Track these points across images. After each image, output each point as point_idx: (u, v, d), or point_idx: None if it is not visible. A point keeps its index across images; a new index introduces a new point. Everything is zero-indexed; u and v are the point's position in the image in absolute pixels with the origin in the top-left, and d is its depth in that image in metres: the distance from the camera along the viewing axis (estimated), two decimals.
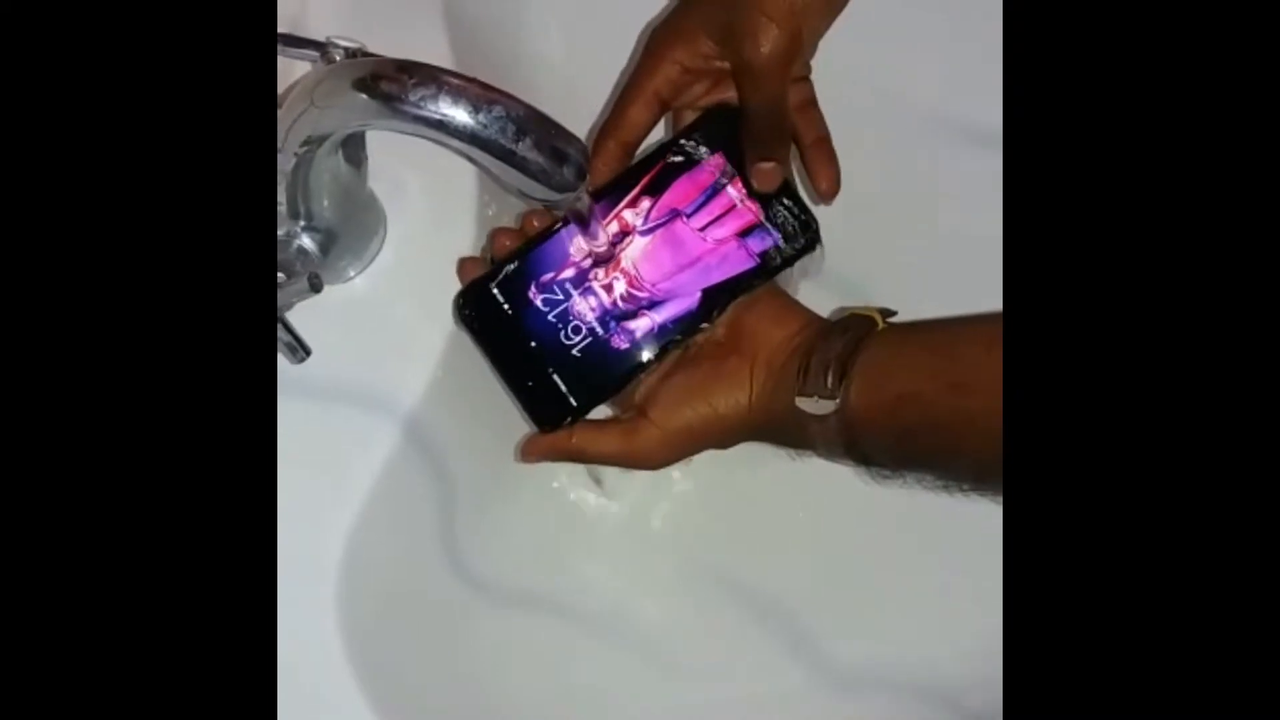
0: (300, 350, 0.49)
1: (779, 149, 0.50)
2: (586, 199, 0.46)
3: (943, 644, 0.58)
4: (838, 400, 0.45)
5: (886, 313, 0.48)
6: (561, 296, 0.50)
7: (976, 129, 0.59)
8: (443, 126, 0.41)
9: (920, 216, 0.64)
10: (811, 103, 0.52)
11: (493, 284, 0.50)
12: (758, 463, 0.66)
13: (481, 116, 0.41)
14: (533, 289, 0.50)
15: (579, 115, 0.55)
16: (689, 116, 0.52)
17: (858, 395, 0.45)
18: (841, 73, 0.51)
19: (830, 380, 0.45)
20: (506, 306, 0.50)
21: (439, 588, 0.57)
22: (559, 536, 0.64)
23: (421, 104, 0.41)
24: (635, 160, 0.52)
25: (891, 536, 0.62)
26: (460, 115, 0.41)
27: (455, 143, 0.42)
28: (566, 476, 0.65)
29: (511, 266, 0.51)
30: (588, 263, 0.50)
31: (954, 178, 0.61)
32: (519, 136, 0.42)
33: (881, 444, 0.45)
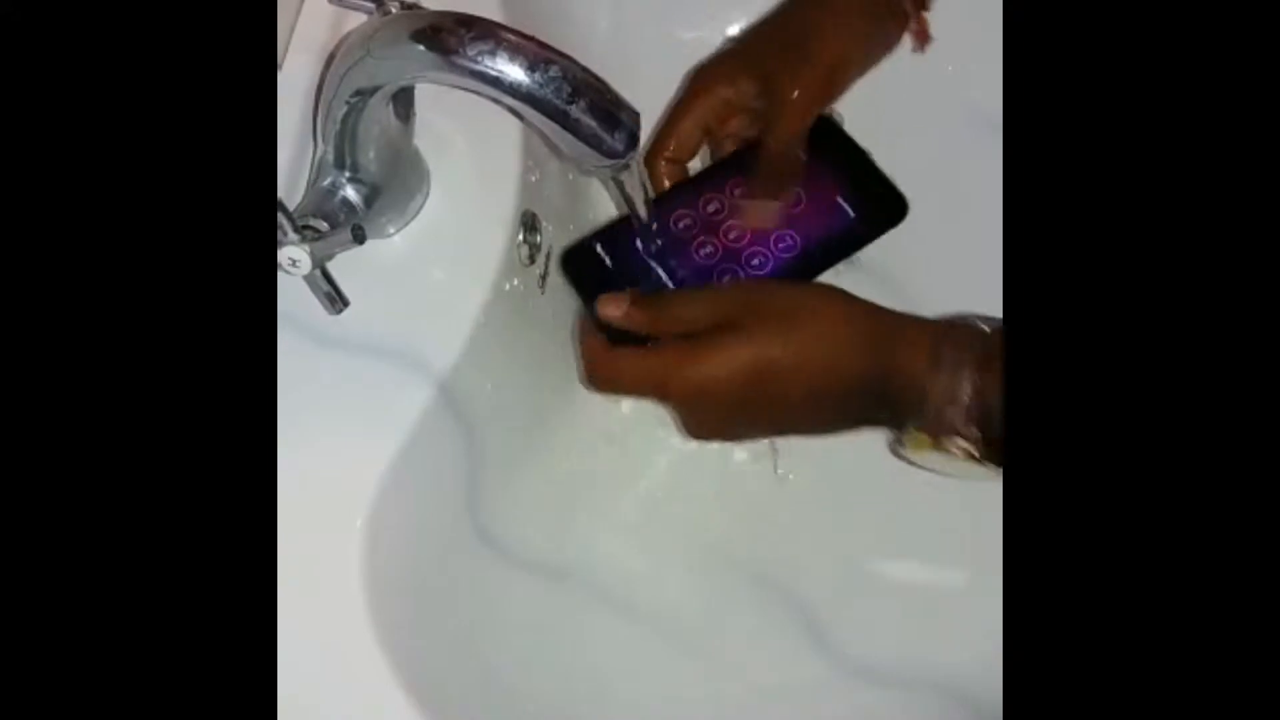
0: (339, 301, 0.49)
1: (784, 189, 0.52)
2: (636, 168, 0.46)
3: (963, 642, 0.58)
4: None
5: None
6: (661, 254, 0.52)
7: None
8: (498, 83, 0.41)
9: (955, 205, 0.63)
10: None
11: (597, 242, 0.52)
12: (787, 451, 0.66)
13: (537, 76, 0.41)
14: (634, 246, 0.52)
15: (621, 85, 0.55)
16: (728, 146, 0.55)
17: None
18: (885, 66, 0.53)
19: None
20: (608, 261, 0.52)
21: (460, 547, 0.57)
22: (584, 508, 0.64)
23: (478, 59, 0.41)
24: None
25: (915, 532, 0.62)
26: (516, 73, 0.41)
27: (509, 100, 0.42)
28: (597, 446, 0.65)
29: (611, 226, 0.53)
30: (688, 229, 0.52)
31: (987, 168, 0.61)
32: (573, 99, 0.42)
33: None
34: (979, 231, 0.58)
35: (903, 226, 0.64)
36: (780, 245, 0.52)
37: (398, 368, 0.51)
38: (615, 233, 0.53)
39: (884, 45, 0.54)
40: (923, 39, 0.55)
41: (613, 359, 0.48)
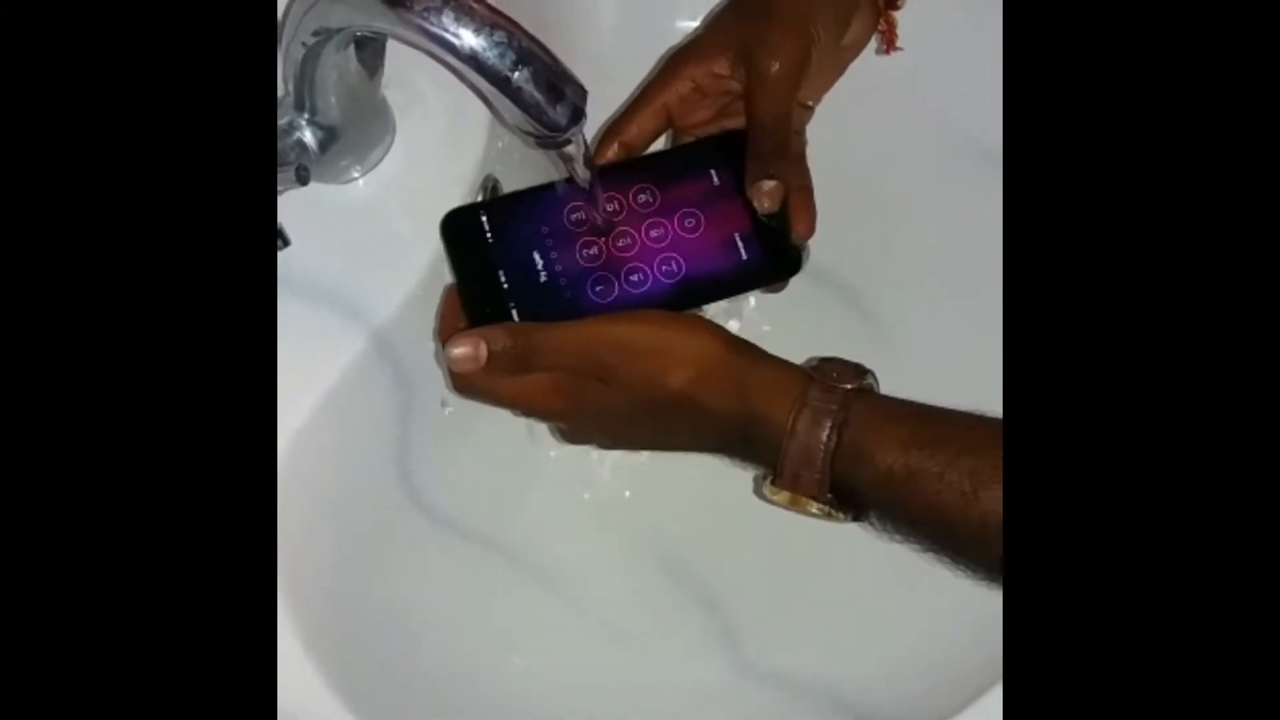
0: (280, 239, 0.50)
1: (781, 164, 0.50)
2: (581, 143, 0.46)
3: (861, 664, 0.57)
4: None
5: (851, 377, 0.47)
6: (543, 244, 0.50)
7: (983, 145, 0.59)
8: (443, 42, 0.41)
9: (922, 228, 0.63)
10: (803, 157, 0.53)
11: (484, 212, 0.51)
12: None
13: (483, 39, 0.41)
14: (519, 228, 0.50)
15: (615, 84, 0.55)
16: (688, 141, 0.54)
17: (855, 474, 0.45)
18: (852, 84, 0.53)
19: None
20: (489, 235, 0.50)
21: (382, 501, 0.57)
22: (513, 480, 0.64)
23: (426, 15, 0.41)
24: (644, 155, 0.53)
25: (840, 555, 0.62)
26: (463, 33, 0.41)
27: (454, 61, 0.42)
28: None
29: (504, 200, 0.52)
30: (578, 224, 0.51)
31: (961, 192, 0.60)
32: (517, 66, 0.42)
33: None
34: (971, 268, 0.58)
35: (894, 260, 0.64)
36: (663, 268, 0.50)
37: (333, 313, 0.52)
38: (506, 206, 0.51)
39: (858, 28, 0.52)
40: (889, 41, 0.53)
41: (486, 381, 0.47)
